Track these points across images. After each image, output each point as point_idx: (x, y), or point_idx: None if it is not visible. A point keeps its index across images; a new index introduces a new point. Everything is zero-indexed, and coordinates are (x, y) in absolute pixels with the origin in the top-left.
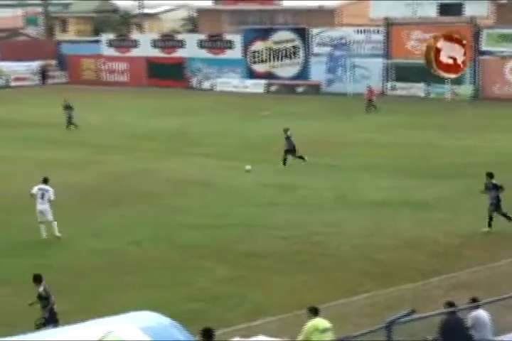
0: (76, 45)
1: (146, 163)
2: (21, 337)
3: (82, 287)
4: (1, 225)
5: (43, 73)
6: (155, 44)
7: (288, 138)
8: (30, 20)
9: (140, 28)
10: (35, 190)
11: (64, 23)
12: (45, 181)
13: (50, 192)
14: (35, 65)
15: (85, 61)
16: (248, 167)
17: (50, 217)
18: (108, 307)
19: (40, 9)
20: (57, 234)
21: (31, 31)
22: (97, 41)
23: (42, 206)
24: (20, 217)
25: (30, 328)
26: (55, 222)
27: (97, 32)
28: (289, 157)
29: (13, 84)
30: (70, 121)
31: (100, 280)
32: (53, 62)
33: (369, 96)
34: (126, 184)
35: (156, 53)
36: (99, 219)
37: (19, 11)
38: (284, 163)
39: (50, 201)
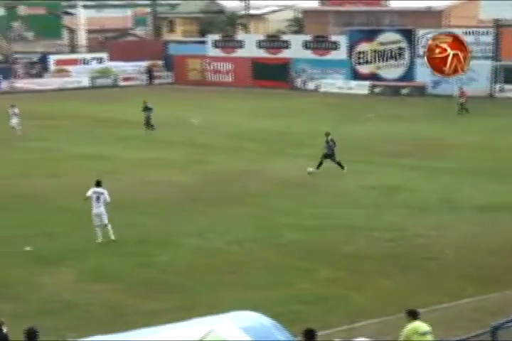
0: (182, 46)
1: (249, 164)
2: (123, 335)
3: (182, 285)
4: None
5: (150, 73)
6: (260, 45)
7: (328, 142)
8: (139, 21)
9: (245, 28)
10: (89, 193)
11: (171, 23)
12: (99, 184)
13: (106, 195)
14: (143, 65)
15: (191, 61)
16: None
17: (105, 220)
18: (208, 306)
19: (148, 10)
20: (113, 237)
21: (140, 31)
22: (202, 42)
23: (98, 209)
24: (125, 215)
25: (131, 326)
26: (110, 225)
27: (203, 32)
28: (328, 161)
29: (121, 83)
30: (148, 123)
31: (200, 279)
32: (160, 62)
33: (461, 97)
34: (229, 184)
35: (261, 54)
36: (201, 219)
37: (129, 12)
38: (318, 167)
39: (106, 203)
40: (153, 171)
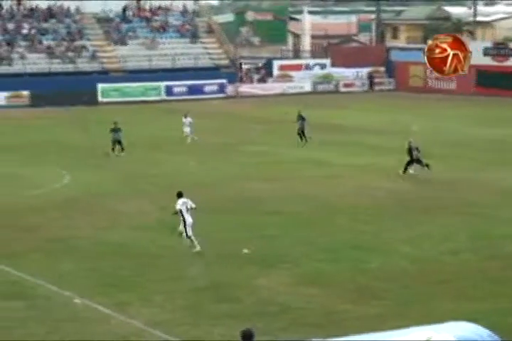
0: (405, 52)
1: (466, 172)
2: (345, 338)
3: (394, 292)
4: (322, 226)
5: (371, 79)
6: (487, 52)
7: (410, 149)
8: (363, 27)
9: (472, 35)
10: (179, 205)
11: (395, 29)
12: (181, 195)
13: (190, 202)
14: (364, 71)
15: (413, 68)
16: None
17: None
18: (421, 314)
19: (373, 16)
20: (197, 247)
21: (363, 38)
22: None
23: (191, 219)
24: (338, 220)
25: (345, 330)
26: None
27: (426, 39)
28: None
29: (341, 89)
30: (302, 133)
31: (413, 287)
32: (381, 68)
33: None
34: (444, 192)
35: (487, 61)
36: (416, 226)
37: (353, 18)
38: (404, 172)
39: (193, 210)
40: (367, 177)
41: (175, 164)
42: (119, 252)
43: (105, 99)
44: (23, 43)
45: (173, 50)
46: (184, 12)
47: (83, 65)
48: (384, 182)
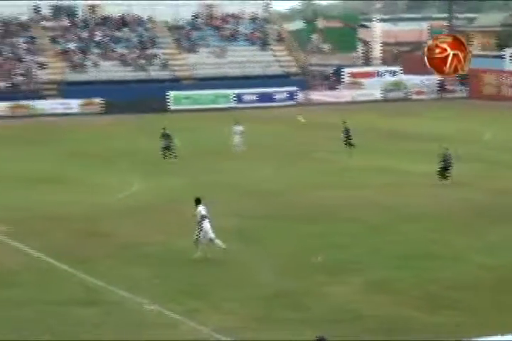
0: (478, 60)
1: None
2: None
3: (468, 302)
4: (393, 234)
5: (442, 87)
6: None
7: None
8: (435, 34)
9: None
10: (203, 211)
11: (468, 36)
12: (200, 201)
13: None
14: (435, 78)
15: (486, 75)
16: None
17: (212, 234)
18: (498, 324)
19: (445, 23)
20: (223, 245)
21: None
22: (500, 56)
23: (209, 224)
24: (411, 229)
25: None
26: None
27: (500, 46)
28: None
29: (412, 97)
30: (348, 142)
31: (488, 296)
32: (453, 76)
33: None
34: None
35: None
36: (490, 235)
37: (424, 25)
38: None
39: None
40: (439, 185)
41: (247, 171)
42: (190, 259)
43: (176, 107)
44: (96, 51)
45: (243, 58)
46: (254, 20)
47: (154, 72)
48: (455, 190)
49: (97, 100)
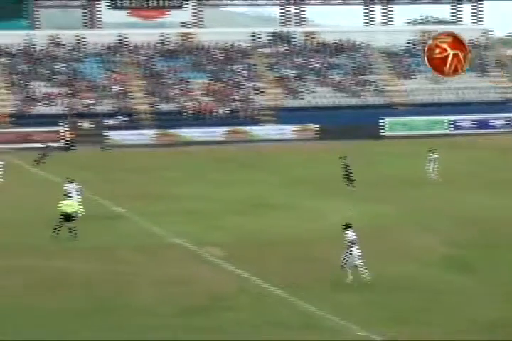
0: None
1: None
2: None
3: None
4: None
5: None
6: None
7: None
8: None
9: None
10: (352, 237)
11: None
12: (349, 227)
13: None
14: None
15: None
16: None
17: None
18: None
19: None
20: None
21: None
22: None
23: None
24: None
25: None
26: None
27: None
28: None
29: None
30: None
31: None
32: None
33: None
34: None
35: None
36: None
37: None
38: None
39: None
40: None
41: (455, 198)
42: (403, 286)
43: (389, 133)
44: (312, 77)
45: (461, 84)
46: (474, 46)
47: (367, 98)
48: None
49: (311, 126)
